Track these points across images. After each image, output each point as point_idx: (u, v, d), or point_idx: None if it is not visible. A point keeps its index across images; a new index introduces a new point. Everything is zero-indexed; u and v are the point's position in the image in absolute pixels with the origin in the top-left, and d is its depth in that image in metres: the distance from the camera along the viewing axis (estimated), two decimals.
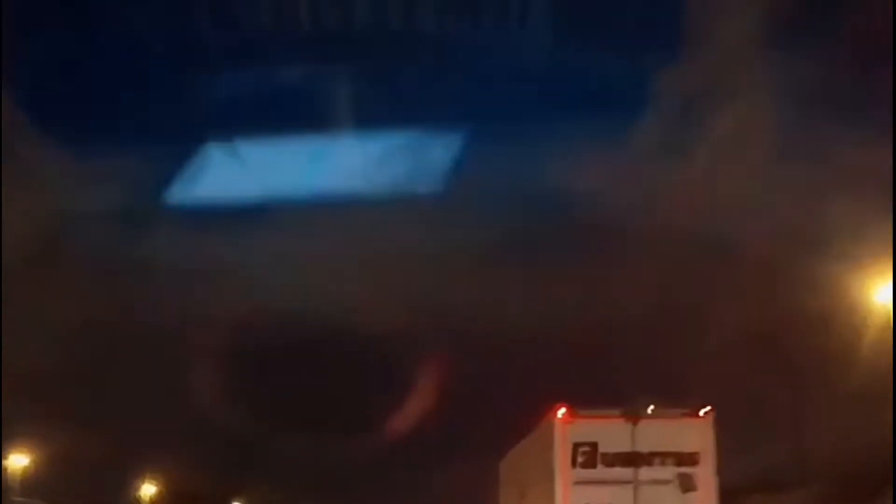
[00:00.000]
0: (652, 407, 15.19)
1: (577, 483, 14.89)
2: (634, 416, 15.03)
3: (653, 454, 14.92)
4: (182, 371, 30.65)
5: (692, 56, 20.23)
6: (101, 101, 22.73)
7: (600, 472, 14.92)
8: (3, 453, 31.03)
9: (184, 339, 29.67)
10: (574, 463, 14.95)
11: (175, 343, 29.80)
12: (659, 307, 24.61)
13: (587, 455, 14.96)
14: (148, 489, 40.23)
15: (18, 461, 32.48)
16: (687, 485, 14.77)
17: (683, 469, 14.83)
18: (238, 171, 19.77)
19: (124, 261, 26.28)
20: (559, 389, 16.49)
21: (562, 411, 15.10)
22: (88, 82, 22.21)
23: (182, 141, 20.74)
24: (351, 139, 20.45)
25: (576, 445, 14.99)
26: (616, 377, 24.36)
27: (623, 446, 14.95)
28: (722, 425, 14.98)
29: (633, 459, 14.91)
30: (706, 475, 14.80)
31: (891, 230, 12.98)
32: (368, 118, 20.01)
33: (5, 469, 32.11)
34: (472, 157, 20.72)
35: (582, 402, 15.41)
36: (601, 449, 14.97)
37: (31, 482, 32.45)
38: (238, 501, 44.99)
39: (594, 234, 23.71)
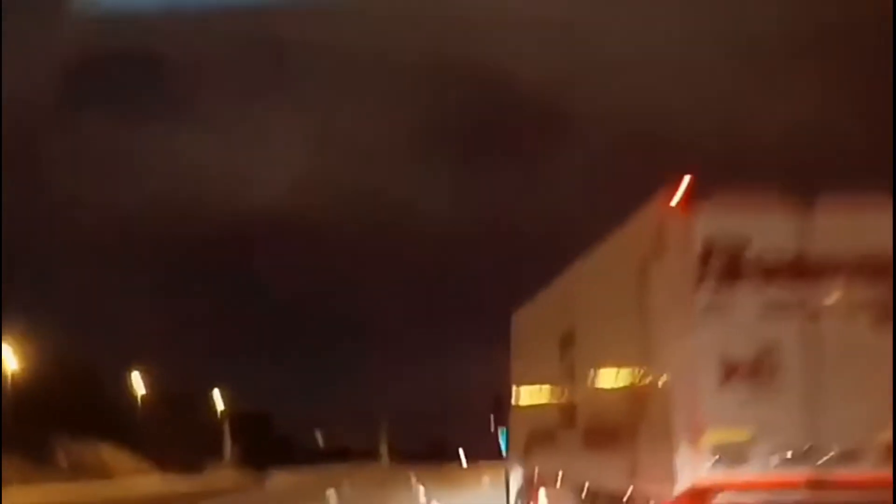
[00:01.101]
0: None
1: (710, 309, 8.87)
2: (805, 201, 9.07)
3: (833, 264, 8.96)
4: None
5: None
6: None
7: (749, 290, 8.86)
8: None
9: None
10: (703, 275, 8.88)
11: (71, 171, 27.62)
12: None
13: (727, 262, 8.80)
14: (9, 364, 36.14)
15: None
16: (883, 312, 8.99)
17: (879, 288, 9.01)
18: None
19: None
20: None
21: (682, 188, 8.96)
22: None
23: None
24: None
25: (707, 244, 8.87)
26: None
27: (787, 250, 8.94)
28: None
29: (802, 271, 8.91)
30: None
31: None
32: None
33: None
34: None
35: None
36: (752, 251, 8.95)
37: None
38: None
39: None
